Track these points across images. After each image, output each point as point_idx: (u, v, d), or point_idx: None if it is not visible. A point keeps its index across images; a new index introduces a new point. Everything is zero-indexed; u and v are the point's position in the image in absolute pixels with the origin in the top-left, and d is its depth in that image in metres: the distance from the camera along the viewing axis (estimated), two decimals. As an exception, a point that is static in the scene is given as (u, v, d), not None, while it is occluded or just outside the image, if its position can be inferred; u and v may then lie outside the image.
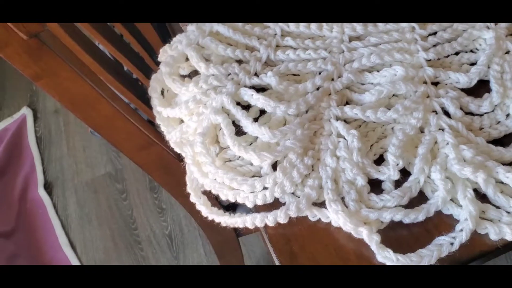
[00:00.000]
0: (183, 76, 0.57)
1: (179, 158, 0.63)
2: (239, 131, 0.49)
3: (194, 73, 0.56)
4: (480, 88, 0.50)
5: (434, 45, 0.53)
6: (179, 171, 0.56)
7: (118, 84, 0.58)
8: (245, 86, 0.52)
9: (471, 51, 0.53)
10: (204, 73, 0.53)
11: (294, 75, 0.54)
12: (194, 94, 0.53)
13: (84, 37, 0.57)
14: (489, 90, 0.50)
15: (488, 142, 0.46)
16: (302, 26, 0.56)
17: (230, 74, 0.53)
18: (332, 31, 0.55)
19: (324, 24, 0.56)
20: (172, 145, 0.54)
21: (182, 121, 0.54)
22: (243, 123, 0.49)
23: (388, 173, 0.44)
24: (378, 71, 0.52)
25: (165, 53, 0.57)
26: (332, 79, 0.52)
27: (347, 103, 0.51)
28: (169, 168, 0.65)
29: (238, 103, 0.51)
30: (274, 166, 0.47)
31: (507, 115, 0.48)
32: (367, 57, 0.52)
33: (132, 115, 0.56)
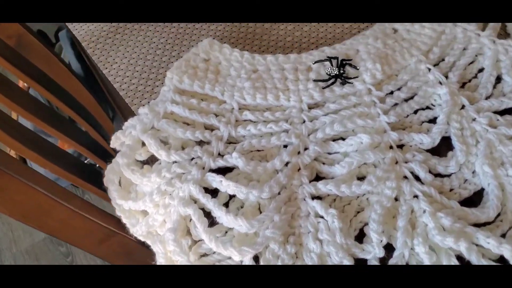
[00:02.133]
0: (141, 162, 0.53)
1: (143, 243, 0.59)
2: (209, 216, 0.47)
3: (153, 157, 0.53)
4: (442, 146, 0.51)
5: (394, 105, 0.53)
6: (143, 254, 0.53)
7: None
8: (211, 169, 0.50)
9: (428, 107, 0.54)
10: (166, 160, 0.50)
11: (258, 150, 0.52)
12: (157, 184, 0.49)
13: (26, 132, 0.52)
14: (450, 146, 0.51)
15: (460, 202, 0.47)
16: (258, 98, 0.54)
17: (193, 158, 0.51)
18: (290, 100, 0.54)
19: (280, 93, 0.55)
20: (137, 236, 0.51)
21: (146, 211, 0.51)
22: (216, 214, 0.46)
23: (374, 251, 0.43)
24: (343, 138, 0.52)
25: (118, 140, 0.54)
26: (299, 152, 0.50)
27: (317, 175, 0.50)
28: (132, 254, 0.61)
29: (205, 188, 0.49)
30: (255, 257, 0.44)
31: (473, 172, 0.49)
32: (330, 126, 0.51)
33: (90, 211, 0.52)
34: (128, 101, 0.58)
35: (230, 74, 0.57)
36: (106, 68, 0.61)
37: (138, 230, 0.50)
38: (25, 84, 0.73)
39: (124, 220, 0.52)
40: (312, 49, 0.61)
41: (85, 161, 1.19)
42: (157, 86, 0.59)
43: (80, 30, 0.66)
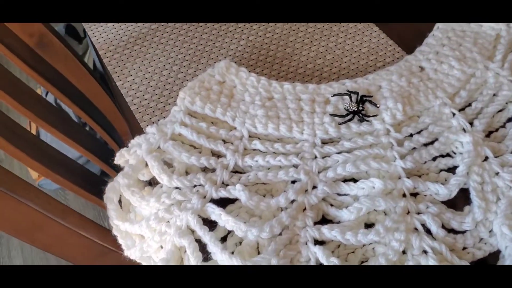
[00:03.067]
0: (144, 182, 0.52)
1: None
2: (205, 248, 0.45)
3: (155, 179, 0.51)
4: (460, 198, 0.48)
5: (412, 149, 0.51)
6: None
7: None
8: (212, 199, 0.48)
9: (448, 154, 0.51)
10: (167, 185, 0.49)
11: (264, 183, 0.50)
12: (156, 210, 0.48)
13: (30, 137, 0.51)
14: (468, 200, 0.47)
15: (473, 263, 0.44)
16: (270, 128, 0.52)
17: (195, 185, 0.49)
18: (303, 133, 0.52)
19: (294, 125, 0.52)
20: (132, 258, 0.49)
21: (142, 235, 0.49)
22: (211, 249, 0.44)
23: (373, 309, 0.41)
24: (355, 180, 0.49)
25: (122, 157, 0.52)
26: (306, 191, 0.48)
27: (323, 217, 0.47)
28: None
29: (204, 219, 0.47)
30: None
31: (490, 231, 0.46)
32: (342, 165, 0.49)
33: (87, 228, 0.51)
34: (138, 117, 0.57)
35: (244, 100, 0.55)
36: (120, 80, 0.60)
37: (132, 253, 0.49)
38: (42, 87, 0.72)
39: (120, 241, 0.50)
40: (333, 80, 0.59)
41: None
42: (169, 104, 0.57)
43: (99, 37, 0.65)
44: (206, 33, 0.64)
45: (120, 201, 0.51)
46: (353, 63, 0.60)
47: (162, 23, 0.66)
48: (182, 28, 0.65)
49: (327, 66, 0.60)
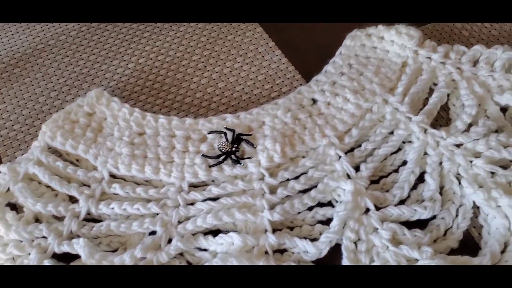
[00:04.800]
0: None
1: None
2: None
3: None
4: (335, 254, 0.42)
5: (286, 197, 0.45)
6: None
7: None
8: (54, 255, 0.42)
9: (330, 202, 0.46)
10: (4, 237, 0.43)
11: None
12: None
13: None
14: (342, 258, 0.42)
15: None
16: (134, 169, 0.47)
17: (38, 237, 0.43)
18: (171, 176, 0.46)
19: (161, 166, 0.47)
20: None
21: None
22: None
23: None
24: (218, 231, 0.43)
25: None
26: (160, 246, 0.42)
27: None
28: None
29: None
30: None
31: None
32: (203, 217, 0.43)
33: None
34: (1, 151, 0.51)
35: (113, 135, 0.49)
36: (-8, 107, 0.55)
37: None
38: None
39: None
40: (222, 111, 0.53)
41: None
42: (38, 136, 0.52)
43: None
44: (94, 54, 0.59)
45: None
46: (246, 93, 0.54)
47: (49, 43, 0.60)
48: (70, 49, 0.59)
49: (217, 95, 0.54)
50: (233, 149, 0.47)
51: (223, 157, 0.47)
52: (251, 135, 0.48)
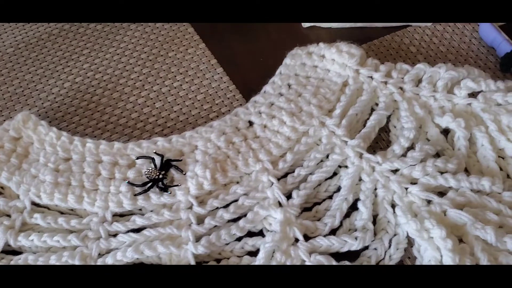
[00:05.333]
0: None
1: None
2: None
3: None
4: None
5: (215, 227, 0.43)
6: None
7: None
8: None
9: (261, 231, 0.44)
10: None
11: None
12: None
13: None
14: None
15: None
16: (56, 198, 0.44)
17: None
18: (94, 204, 0.44)
19: (85, 194, 0.45)
20: None
21: None
22: None
23: None
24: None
25: None
26: (78, 281, 0.40)
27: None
28: None
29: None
30: None
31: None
32: (123, 251, 0.41)
33: None
34: None
35: (39, 161, 0.47)
36: None
37: None
38: None
39: None
40: (157, 133, 0.51)
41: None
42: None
43: None
44: (30, 73, 0.57)
45: None
46: (184, 113, 0.52)
47: (-15, 60, 0.58)
48: (5, 67, 0.57)
49: (153, 116, 0.52)
50: (160, 176, 0.45)
51: (149, 184, 0.44)
52: (181, 160, 0.46)
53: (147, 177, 0.45)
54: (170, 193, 0.44)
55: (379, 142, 0.49)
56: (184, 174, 0.45)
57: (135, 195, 0.44)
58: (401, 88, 0.49)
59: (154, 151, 0.46)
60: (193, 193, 0.44)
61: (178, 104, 0.53)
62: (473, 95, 0.48)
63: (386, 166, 0.44)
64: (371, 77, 0.50)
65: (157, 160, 0.46)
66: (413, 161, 0.44)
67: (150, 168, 0.45)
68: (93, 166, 0.46)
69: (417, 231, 0.40)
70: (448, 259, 0.38)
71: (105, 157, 0.47)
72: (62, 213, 0.45)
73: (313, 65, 0.52)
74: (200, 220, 0.43)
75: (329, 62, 0.51)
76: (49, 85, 0.55)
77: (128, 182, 0.45)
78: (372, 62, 0.51)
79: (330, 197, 0.45)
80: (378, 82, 0.49)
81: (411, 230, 0.41)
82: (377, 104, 0.50)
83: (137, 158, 0.46)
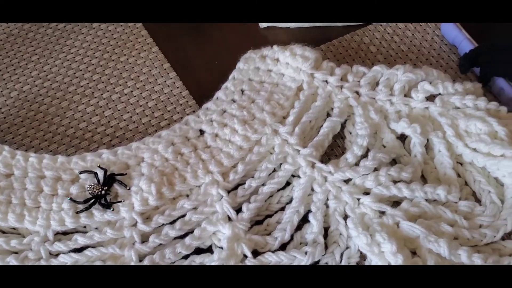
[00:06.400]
0: None
1: None
2: None
3: None
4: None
5: (160, 245, 0.41)
6: None
7: None
8: None
9: (210, 247, 0.42)
10: None
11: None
12: None
13: None
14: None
15: None
16: (-4, 218, 0.42)
17: None
18: (36, 223, 0.42)
19: (26, 213, 0.42)
20: None
21: None
22: None
23: None
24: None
25: None
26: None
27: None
28: None
29: None
30: None
31: None
32: (63, 272, 0.40)
33: None
34: None
35: (-21, 177, 0.45)
36: None
37: None
38: None
39: None
40: (105, 144, 0.49)
41: None
42: None
43: None
44: (-25, 82, 0.54)
45: None
46: (134, 122, 0.50)
47: None
48: (-49, 75, 0.55)
49: (102, 125, 0.50)
50: (103, 192, 0.43)
51: (91, 201, 0.43)
52: (125, 174, 0.44)
53: (90, 193, 0.43)
54: (113, 209, 0.42)
55: (335, 149, 0.47)
56: (129, 189, 0.43)
57: (77, 212, 0.42)
58: (357, 92, 0.47)
59: (98, 165, 0.44)
60: (138, 209, 0.42)
61: (128, 112, 0.51)
62: (433, 97, 0.46)
63: (338, 176, 0.42)
64: (326, 81, 0.48)
65: (100, 174, 0.44)
66: (366, 170, 0.42)
67: (93, 184, 0.43)
68: (35, 182, 0.44)
69: (368, 245, 0.39)
70: (399, 275, 0.37)
71: (48, 172, 0.44)
72: (4, 232, 0.43)
73: (267, 69, 0.50)
74: (146, 238, 0.42)
75: (283, 66, 0.49)
76: (-5, 97, 0.53)
77: (71, 199, 0.43)
78: (327, 65, 0.49)
79: (283, 209, 0.43)
80: (333, 87, 0.48)
81: (361, 244, 0.40)
82: (333, 109, 0.48)
83: (80, 173, 0.44)
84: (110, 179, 0.43)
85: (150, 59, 0.55)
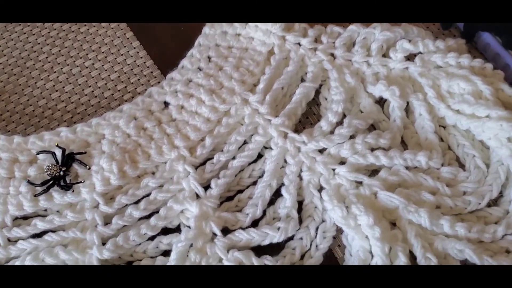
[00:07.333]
0: None
1: None
2: None
3: None
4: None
5: (123, 227, 0.39)
6: None
7: None
8: None
9: (179, 226, 0.40)
10: None
11: None
12: None
13: None
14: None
15: None
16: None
17: None
18: (-8, 209, 0.40)
19: (-17, 198, 0.40)
20: None
21: None
22: None
23: None
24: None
25: None
26: (-27, 297, 0.36)
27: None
28: None
29: None
30: None
31: None
32: (22, 260, 0.37)
33: None
34: None
35: None
36: None
37: None
38: None
39: None
40: (65, 121, 0.46)
41: None
42: None
43: None
44: None
45: None
46: (96, 96, 0.47)
47: None
48: None
49: (62, 101, 0.47)
50: (61, 172, 0.40)
51: (50, 183, 0.40)
52: (85, 153, 0.41)
53: (48, 174, 0.40)
54: (73, 191, 0.39)
55: (310, 117, 0.44)
56: (89, 169, 0.40)
57: (35, 195, 0.40)
58: (332, 55, 0.44)
59: (56, 143, 0.41)
60: (99, 189, 0.40)
61: (90, 86, 0.48)
62: (413, 57, 0.43)
63: (312, 146, 0.40)
64: (298, 43, 0.45)
65: (59, 154, 0.41)
66: (341, 138, 0.39)
67: (51, 164, 0.40)
68: (-9, 165, 0.41)
69: (343, 218, 0.37)
70: (377, 249, 0.35)
71: (4, 154, 0.42)
72: (-40, 219, 0.41)
73: (235, 33, 0.46)
74: (109, 220, 0.39)
75: (252, 29, 0.46)
76: None
77: (28, 181, 0.40)
78: (300, 26, 0.45)
79: (255, 183, 0.41)
80: (306, 49, 0.44)
81: (336, 217, 0.37)
82: (307, 74, 0.45)
83: (38, 153, 0.41)
84: (69, 159, 0.41)
85: (112, 28, 0.51)
